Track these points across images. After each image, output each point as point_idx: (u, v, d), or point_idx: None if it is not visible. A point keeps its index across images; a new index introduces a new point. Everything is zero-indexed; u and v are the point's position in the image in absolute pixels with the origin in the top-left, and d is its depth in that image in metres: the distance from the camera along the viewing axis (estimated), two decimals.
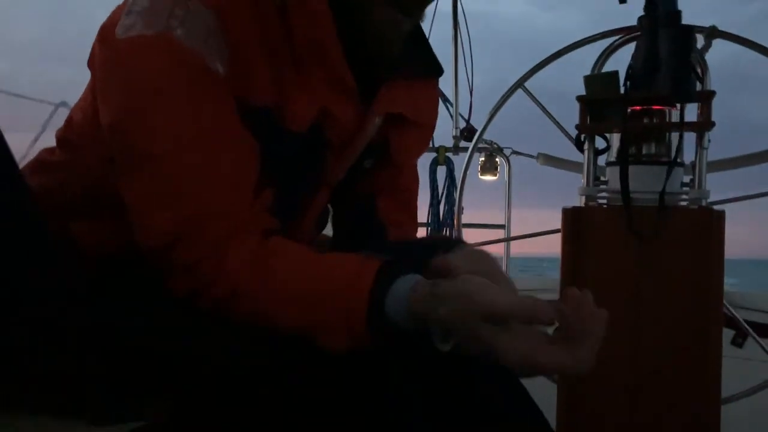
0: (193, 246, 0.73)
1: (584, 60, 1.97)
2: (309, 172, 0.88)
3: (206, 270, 0.72)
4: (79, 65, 0.91)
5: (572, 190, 1.78)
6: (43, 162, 0.92)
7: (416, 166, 1.07)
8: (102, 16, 0.82)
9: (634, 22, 1.68)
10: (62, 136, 0.91)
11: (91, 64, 0.83)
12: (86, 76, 0.87)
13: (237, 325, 0.73)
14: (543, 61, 2.02)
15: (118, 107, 0.75)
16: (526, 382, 0.73)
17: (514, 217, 3.27)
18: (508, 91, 2.07)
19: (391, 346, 0.70)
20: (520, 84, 2.05)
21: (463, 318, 0.62)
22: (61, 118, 1.99)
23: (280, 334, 0.72)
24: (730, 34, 1.73)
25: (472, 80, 3.08)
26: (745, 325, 1.86)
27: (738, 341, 2.26)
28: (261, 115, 0.78)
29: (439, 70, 0.97)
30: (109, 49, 0.76)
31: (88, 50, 0.83)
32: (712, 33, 1.73)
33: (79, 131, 0.88)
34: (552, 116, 2.09)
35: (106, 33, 0.76)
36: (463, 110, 2.91)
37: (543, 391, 0.99)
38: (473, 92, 2.99)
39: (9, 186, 0.68)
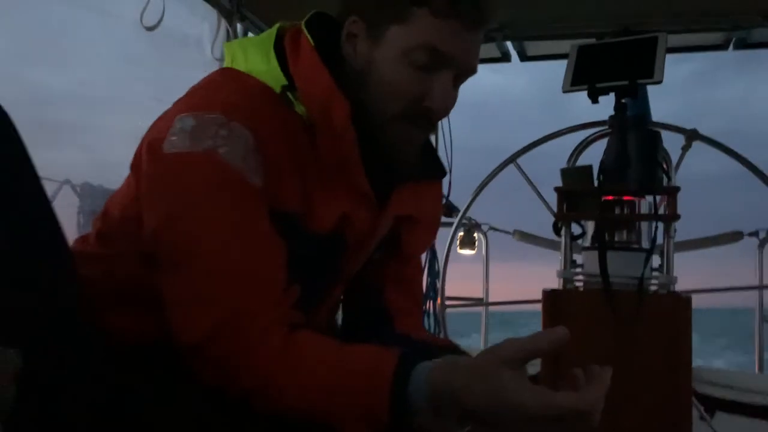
0: (227, 342, 0.80)
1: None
2: (329, 267, 0.97)
3: (238, 363, 0.79)
4: None
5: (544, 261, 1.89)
6: (80, 253, 0.99)
7: (420, 260, 1.18)
8: None
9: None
10: (100, 230, 0.99)
11: (135, 169, 0.92)
12: None
13: (263, 415, 0.79)
14: (534, 142, 2.16)
15: (166, 213, 0.84)
16: None
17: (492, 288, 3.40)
18: (499, 166, 2.20)
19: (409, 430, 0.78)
20: (512, 160, 2.18)
21: (491, 411, 0.68)
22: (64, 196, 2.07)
23: (305, 423, 0.79)
24: (709, 138, 1.90)
25: (451, 159, 3.25)
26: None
27: (706, 416, 2.36)
28: (289, 219, 0.88)
29: (443, 173, 1.09)
30: (158, 162, 0.85)
31: None
32: (692, 135, 1.91)
33: (119, 227, 0.95)
34: (541, 195, 2.21)
35: (153, 147, 0.85)
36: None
37: None
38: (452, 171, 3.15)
39: (65, 277, 0.76)
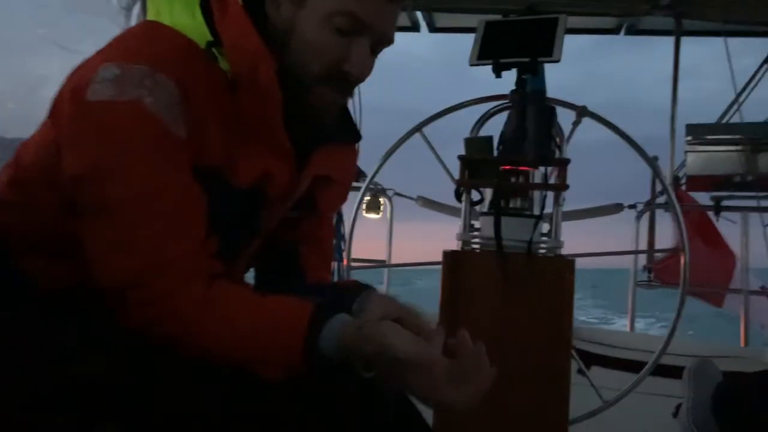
0: (149, 288, 0.84)
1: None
2: (248, 222, 1.02)
3: (160, 310, 0.84)
4: None
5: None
6: None
7: (332, 218, 1.25)
8: None
9: None
10: (12, 177, 0.98)
11: (54, 116, 0.92)
12: None
13: (186, 358, 0.85)
14: (439, 112, 2.24)
15: (89, 161, 0.85)
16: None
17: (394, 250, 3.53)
18: (404, 136, 2.27)
19: (320, 375, 0.86)
20: (418, 129, 2.25)
21: (379, 358, 0.80)
22: None
23: (225, 365, 0.85)
24: (596, 114, 2.06)
25: (360, 122, 3.32)
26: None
27: (583, 371, 2.60)
28: (212, 173, 0.91)
29: (358, 137, 1.15)
30: (81, 109, 0.85)
31: None
32: (583, 112, 2.06)
33: (32, 173, 0.95)
34: (444, 163, 2.32)
35: (76, 94, 0.86)
36: None
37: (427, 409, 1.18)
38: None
39: None
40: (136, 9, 2.34)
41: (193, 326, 0.84)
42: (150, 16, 0.97)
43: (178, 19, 0.93)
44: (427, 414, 1.03)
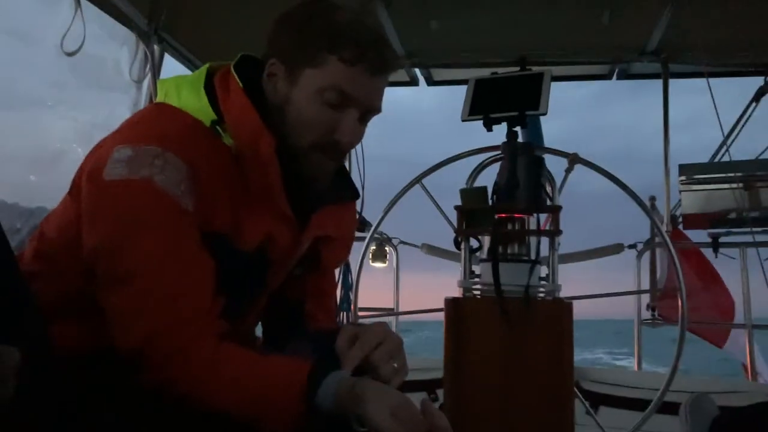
0: (161, 349, 0.92)
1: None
2: (254, 282, 1.10)
3: (172, 370, 0.91)
4: None
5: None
6: None
7: (335, 272, 1.33)
8: None
9: None
10: (38, 249, 1.07)
11: (75, 194, 1.02)
12: None
13: (198, 414, 0.92)
14: (437, 164, 2.34)
15: (104, 234, 0.94)
16: None
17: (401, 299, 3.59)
18: (406, 186, 2.36)
19: (319, 427, 0.93)
20: (418, 180, 2.35)
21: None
22: None
23: (233, 421, 0.92)
24: (588, 161, 2.15)
25: (363, 175, 3.42)
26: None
27: (591, 411, 2.62)
28: (219, 239, 1.00)
29: (356, 195, 1.24)
30: (99, 187, 0.95)
31: None
32: (574, 159, 2.15)
33: (56, 246, 1.04)
34: (444, 213, 2.41)
35: (93, 174, 0.96)
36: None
37: None
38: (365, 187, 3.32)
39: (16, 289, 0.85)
40: (146, 81, 2.49)
41: (202, 386, 0.92)
42: (159, 98, 1.08)
43: (186, 101, 1.03)
44: None
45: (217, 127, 1.01)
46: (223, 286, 1.00)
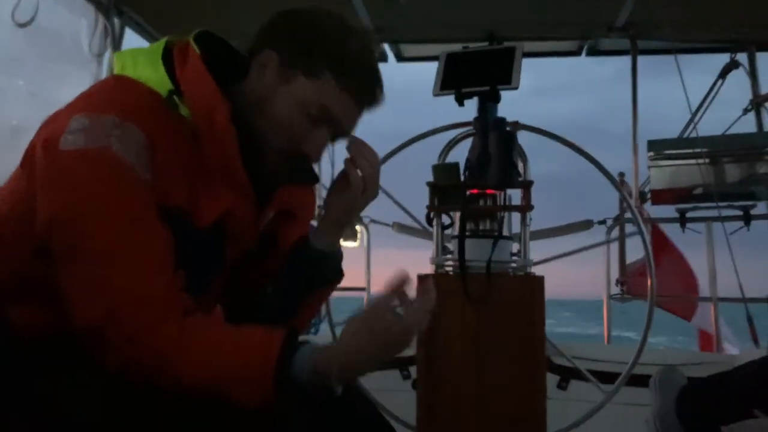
0: (124, 327, 0.88)
1: None
2: (212, 257, 1.07)
3: (136, 348, 0.88)
4: None
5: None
6: None
7: None
8: None
9: None
10: None
11: (27, 166, 0.97)
12: None
13: (165, 392, 0.89)
14: (405, 142, 2.32)
15: (61, 205, 0.90)
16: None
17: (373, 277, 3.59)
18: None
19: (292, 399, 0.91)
20: (385, 160, 2.31)
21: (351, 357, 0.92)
22: None
23: (201, 396, 0.90)
24: (531, 126, 2.14)
25: (333, 153, 3.39)
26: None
27: (562, 385, 2.65)
28: (176, 213, 0.97)
29: (315, 179, 1.22)
30: (55, 158, 0.91)
31: None
32: (516, 126, 2.14)
33: (7, 223, 0.99)
34: (401, 205, 2.40)
35: (49, 144, 0.92)
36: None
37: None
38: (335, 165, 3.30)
39: None
40: (107, 55, 2.41)
41: (169, 362, 0.89)
42: (117, 71, 1.04)
43: (142, 72, 1.00)
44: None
45: (174, 97, 0.98)
46: (180, 262, 0.97)
